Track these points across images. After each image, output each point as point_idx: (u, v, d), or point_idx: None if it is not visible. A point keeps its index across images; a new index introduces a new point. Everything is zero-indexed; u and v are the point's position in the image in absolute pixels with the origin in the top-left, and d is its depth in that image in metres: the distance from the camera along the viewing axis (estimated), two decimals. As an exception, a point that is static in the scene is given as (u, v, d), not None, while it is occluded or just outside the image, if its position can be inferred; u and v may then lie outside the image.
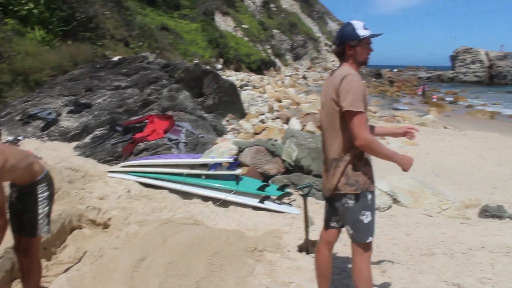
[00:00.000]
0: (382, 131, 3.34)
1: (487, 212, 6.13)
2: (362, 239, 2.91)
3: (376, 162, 3.08)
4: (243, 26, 41.57)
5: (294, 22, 52.85)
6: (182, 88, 10.26)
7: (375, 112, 19.94)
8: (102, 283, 3.42)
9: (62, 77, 10.05)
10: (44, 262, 3.82)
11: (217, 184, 5.89)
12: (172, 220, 4.70)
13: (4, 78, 9.27)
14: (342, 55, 2.96)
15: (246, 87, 21.64)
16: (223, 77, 14.94)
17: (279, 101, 18.02)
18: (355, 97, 2.72)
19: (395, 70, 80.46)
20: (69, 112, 8.18)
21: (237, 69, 32.65)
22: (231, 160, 6.14)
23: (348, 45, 2.90)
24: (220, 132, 9.86)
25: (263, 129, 10.83)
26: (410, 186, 6.44)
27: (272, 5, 52.30)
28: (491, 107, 29.93)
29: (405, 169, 2.88)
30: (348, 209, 2.88)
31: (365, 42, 2.91)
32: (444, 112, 24.86)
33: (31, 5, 12.16)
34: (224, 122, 11.09)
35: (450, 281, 3.81)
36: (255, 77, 29.70)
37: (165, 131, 7.42)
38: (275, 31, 47.70)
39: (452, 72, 67.95)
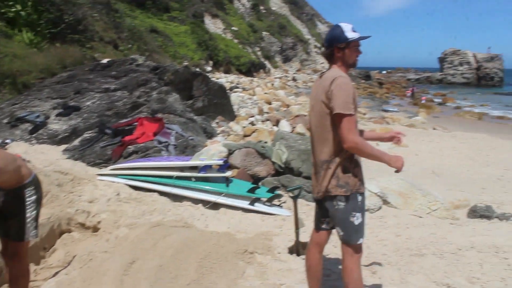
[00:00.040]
0: (369, 135, 3.35)
1: (475, 213, 6.18)
2: (352, 240, 2.91)
3: (365, 164, 3.09)
4: (233, 28, 41.59)
5: (284, 24, 52.99)
6: (171, 90, 10.23)
7: (364, 114, 20.03)
8: (92, 287, 3.40)
9: (51, 80, 9.98)
10: (32, 266, 3.79)
11: (207, 186, 5.88)
12: (162, 223, 4.68)
13: (-9, 80, 9.20)
14: (331, 58, 2.97)
15: (235, 89, 21.65)
16: (213, 79, 14.93)
17: (269, 103, 18.05)
18: (345, 100, 2.73)
19: (384, 72, 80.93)
20: (57, 115, 8.12)
21: (227, 71, 32.65)
22: (221, 162, 6.13)
23: (337, 48, 2.91)
24: (210, 134, 9.84)
25: (253, 131, 10.83)
26: (400, 187, 6.48)
27: (261, 7, 52.40)
28: (479, 108, 30.23)
29: (397, 169, 2.89)
30: (338, 210, 2.89)
31: (354, 45, 2.92)
32: (433, 113, 25.05)
33: (18, 7, 12.08)
34: (214, 125, 11.08)
35: (439, 281, 3.83)
36: (244, 79, 29.71)
37: (155, 134, 7.39)
38: (264, 33, 47.78)
39: (441, 73, 68.50)
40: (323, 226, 3.16)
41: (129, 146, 6.99)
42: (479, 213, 6.14)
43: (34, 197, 3.18)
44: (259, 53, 43.44)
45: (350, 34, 2.88)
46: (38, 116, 7.90)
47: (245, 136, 10.57)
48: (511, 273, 3.95)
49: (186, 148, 7.54)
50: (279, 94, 22.89)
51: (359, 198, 2.89)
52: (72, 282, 3.48)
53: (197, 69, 17.46)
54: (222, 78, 26.11)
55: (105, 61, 12.16)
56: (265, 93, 22.09)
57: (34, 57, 10.81)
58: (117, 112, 8.63)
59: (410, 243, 4.77)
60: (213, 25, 39.13)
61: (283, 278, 3.82)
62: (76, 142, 7.36)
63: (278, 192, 6.14)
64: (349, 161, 2.88)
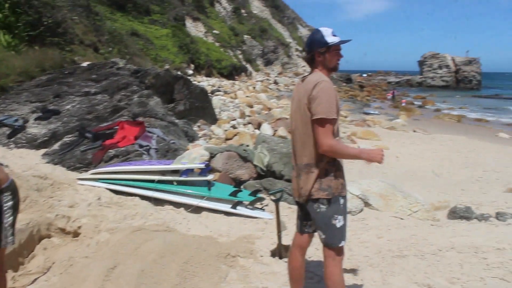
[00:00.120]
0: None
1: (455, 214, 6.26)
2: (334, 243, 2.93)
3: (347, 166, 3.12)
4: (214, 31, 41.58)
5: (265, 27, 53.17)
6: (152, 94, 10.17)
7: (346, 117, 20.18)
8: (72, 293, 3.36)
9: (29, 83, 9.84)
10: (11, 273, 3.72)
11: (189, 190, 5.86)
12: (143, 227, 4.64)
13: (-32, 84, 9.04)
14: (312, 62, 2.99)
15: (217, 93, 21.62)
16: (194, 82, 14.88)
17: (251, 106, 18.06)
18: (326, 105, 2.75)
19: (365, 75, 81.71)
20: (36, 118, 8.01)
21: (208, 75, 32.61)
22: (202, 166, 6.11)
23: (317, 52, 2.93)
24: (191, 138, 9.81)
25: (235, 135, 10.82)
26: (381, 190, 6.53)
27: (242, 11, 52.49)
28: (458, 110, 30.70)
29: (378, 162, 2.90)
30: (320, 213, 2.90)
31: (334, 49, 2.94)
32: (413, 116, 25.35)
33: (-5, 9, 11.90)
34: (195, 128, 11.05)
35: (421, 282, 3.88)
36: (226, 83, 29.71)
37: (136, 138, 7.34)
38: (246, 36, 47.86)
39: (420, 77, 69.42)
40: (306, 229, 3.18)
41: (110, 150, 6.93)
42: (458, 214, 6.22)
43: (10, 203, 3.13)
44: (240, 56, 43.50)
45: (330, 39, 2.91)
46: (16, 120, 7.78)
47: (227, 139, 10.56)
48: (490, 272, 4.02)
49: (168, 152, 7.50)
50: (260, 97, 22.93)
51: (341, 201, 2.91)
52: (52, 289, 3.43)
53: (179, 73, 17.38)
54: (204, 82, 26.07)
55: (85, 64, 12.03)
56: (247, 96, 22.11)
57: (12, 60, 10.64)
58: (98, 115, 8.55)
59: (392, 244, 4.82)
60: (195, 28, 39.06)
61: (266, 281, 3.82)
62: (56, 146, 7.27)
63: (260, 195, 6.14)
64: (331, 164, 2.90)
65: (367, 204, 6.34)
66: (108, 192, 5.75)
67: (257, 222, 5.56)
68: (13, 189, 3.19)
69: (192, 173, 6.05)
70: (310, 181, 2.89)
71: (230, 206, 5.78)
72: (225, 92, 22.77)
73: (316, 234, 3.12)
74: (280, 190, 4.63)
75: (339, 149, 2.80)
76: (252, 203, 5.89)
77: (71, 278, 3.54)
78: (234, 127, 12.44)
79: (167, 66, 24.15)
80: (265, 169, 7.05)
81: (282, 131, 11.61)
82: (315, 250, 4.40)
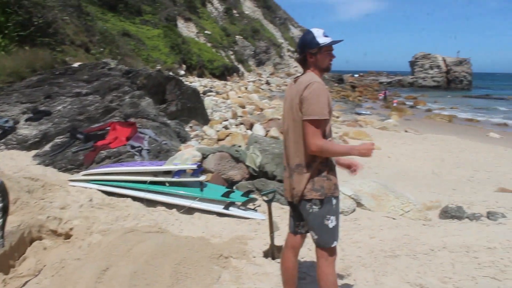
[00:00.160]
0: None
1: (447, 213, 6.29)
2: (327, 243, 2.94)
3: (339, 168, 3.12)
4: (206, 32, 41.54)
5: (257, 28, 53.19)
6: (144, 94, 10.14)
7: (337, 117, 20.22)
8: (64, 295, 3.33)
9: (20, 84, 9.78)
10: (1, 276, 3.69)
11: (181, 191, 5.85)
12: (136, 229, 4.63)
13: (-42, 85, 8.96)
14: (304, 63, 2.99)
15: (209, 93, 21.61)
16: (186, 83, 14.86)
17: (243, 107, 18.05)
18: (317, 106, 2.76)
19: (357, 75, 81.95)
20: (27, 119, 7.96)
21: (200, 75, 32.58)
22: (194, 166, 6.10)
23: (309, 53, 2.94)
24: (183, 138, 9.78)
25: (227, 135, 10.81)
26: (373, 190, 6.55)
27: (234, 11, 52.48)
28: (449, 111, 30.85)
29: (368, 156, 2.88)
30: (313, 214, 2.90)
31: (326, 49, 2.95)
32: (404, 116, 25.43)
33: (-16, 10, 11.81)
34: (187, 129, 11.02)
35: (413, 281, 3.89)
36: (218, 83, 29.71)
37: (128, 139, 7.32)
38: (238, 37, 47.86)
39: (412, 77, 69.68)
40: (298, 229, 3.18)
41: (102, 151, 6.90)
42: (450, 213, 6.25)
43: (0, 205, 3.11)
44: (232, 57, 43.49)
45: (322, 39, 2.91)
46: (7, 121, 7.73)
47: (219, 140, 10.55)
48: (482, 271, 4.04)
49: (160, 153, 7.48)
50: (252, 97, 22.93)
51: (334, 201, 2.92)
52: (44, 291, 3.41)
53: (170, 73, 17.37)
54: (196, 82, 26.06)
55: (76, 65, 11.98)
56: (239, 96, 22.10)
57: (2, 60, 10.58)
58: (89, 116, 8.51)
59: (384, 244, 4.83)
60: (186, 29, 39.00)
61: (259, 282, 3.82)
62: (47, 147, 7.23)
63: (252, 196, 6.14)
64: (324, 164, 2.90)
65: (359, 204, 6.35)
66: (100, 194, 5.72)
67: (250, 223, 5.56)
68: (2, 191, 3.17)
69: (184, 174, 6.03)
70: (303, 181, 2.89)
71: (223, 207, 5.77)
72: (217, 93, 22.77)
73: (308, 234, 3.12)
74: (272, 190, 4.63)
75: (328, 148, 2.81)
76: (244, 204, 5.89)
77: (63, 281, 3.52)
78: (226, 127, 12.42)
79: (158, 67, 24.09)
80: (257, 169, 7.05)
81: (274, 132, 11.61)
82: (308, 251, 4.40)
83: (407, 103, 36.83)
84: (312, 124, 2.77)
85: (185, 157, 6.64)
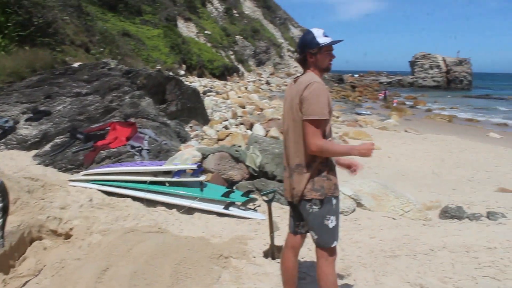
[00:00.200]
0: None
1: (447, 213, 6.29)
2: (327, 243, 2.94)
3: (339, 167, 3.12)
4: (206, 32, 41.54)
5: (257, 28, 53.19)
6: (144, 94, 10.14)
7: (337, 117, 20.22)
8: (64, 295, 3.33)
9: (20, 84, 9.78)
10: (1, 276, 3.69)
11: (181, 191, 5.84)
12: (136, 229, 4.63)
13: (-42, 85, 8.96)
14: (304, 63, 3.00)
15: (209, 93, 21.61)
16: (186, 83, 14.86)
17: (243, 107, 18.05)
18: (317, 106, 2.76)
19: (357, 75, 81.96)
20: (27, 119, 7.96)
21: (200, 75, 32.58)
22: (195, 166, 6.10)
23: (309, 53, 2.94)
24: (183, 138, 9.78)
25: (227, 135, 10.81)
26: (373, 190, 6.55)
27: (234, 11, 52.49)
28: (449, 111, 30.87)
29: (368, 156, 2.87)
30: (313, 214, 2.90)
31: (326, 49, 2.95)
32: (404, 116, 25.43)
33: (-16, 9, 11.81)
34: (187, 129, 11.02)
35: (413, 281, 3.90)
36: (218, 83, 29.71)
37: (128, 139, 7.32)
38: (238, 37, 47.86)
39: (412, 77, 69.71)
40: (298, 229, 3.18)
41: (102, 151, 6.90)
42: (450, 213, 6.25)
43: (0, 205, 3.11)
44: (232, 57, 43.50)
45: (322, 39, 2.91)
46: (6, 121, 7.73)
47: (219, 140, 10.55)
48: (482, 272, 4.05)
49: (160, 153, 7.48)
50: (252, 97, 22.92)
51: (334, 201, 2.92)
52: (44, 291, 3.41)
53: (170, 73, 17.38)
54: (196, 82, 26.06)
55: (76, 65, 11.98)
56: (239, 96, 22.10)
57: (2, 60, 10.58)
58: (89, 116, 8.51)
59: (384, 244, 4.83)
60: (186, 29, 39.00)
61: (259, 282, 3.82)
62: (47, 147, 7.23)
63: (252, 196, 6.14)
64: (324, 164, 2.90)
65: (359, 204, 6.35)
66: (100, 194, 5.72)
67: (250, 223, 5.56)
68: (2, 191, 3.16)
69: (184, 174, 6.03)
70: (303, 181, 2.89)
71: (223, 207, 5.77)
72: (217, 93, 22.76)
73: (308, 234, 3.12)
74: (272, 190, 4.63)
75: (328, 148, 2.81)
76: (244, 204, 5.89)
77: (63, 281, 3.52)
78: (226, 127, 12.42)
79: (158, 67, 24.09)
80: (257, 169, 7.05)
81: (274, 132, 11.61)
82: (308, 251, 4.40)
83: (407, 103, 36.87)
84: (312, 124, 2.77)
85: (185, 157, 6.64)
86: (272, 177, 6.90)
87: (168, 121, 9.85)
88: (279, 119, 13.21)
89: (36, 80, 9.92)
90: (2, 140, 7.39)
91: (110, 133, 7.49)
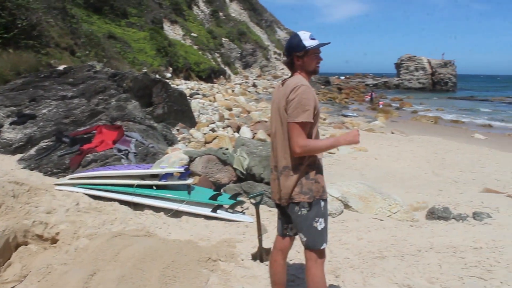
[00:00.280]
0: None
1: (434, 214, 6.35)
2: (316, 245, 2.94)
3: (326, 169, 3.14)
4: (192, 34, 41.49)
5: (243, 30, 53.26)
6: (130, 97, 10.08)
7: (324, 119, 20.31)
8: (51, 301, 3.30)
9: (4, 87, 9.66)
10: (-13, 282, 3.64)
11: (168, 194, 5.82)
12: (123, 233, 4.59)
13: None
14: (291, 66, 3.01)
15: (196, 96, 21.59)
16: (173, 86, 14.82)
17: (230, 109, 18.06)
18: (302, 109, 2.76)
19: (343, 77, 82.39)
20: (11, 123, 7.86)
21: (187, 78, 32.55)
22: (182, 169, 6.07)
23: (296, 56, 2.95)
24: (170, 141, 9.75)
25: (214, 138, 10.79)
26: (361, 191, 6.58)
27: (220, 14, 52.50)
28: (434, 112, 31.17)
29: (356, 142, 2.91)
30: (301, 217, 2.91)
31: (312, 52, 2.96)
32: (391, 118, 25.63)
33: (-33, 12, 11.67)
34: (174, 132, 10.99)
35: (401, 282, 3.92)
36: (205, 86, 29.70)
37: (114, 142, 7.26)
38: (224, 39, 47.90)
39: (398, 79, 70.32)
40: (287, 232, 3.19)
41: (88, 155, 6.83)
42: (437, 214, 6.30)
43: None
44: (219, 59, 43.51)
45: (308, 42, 2.92)
46: (-9, 125, 7.63)
47: (206, 143, 10.52)
48: (468, 272, 4.09)
49: (147, 156, 7.44)
50: (239, 100, 22.95)
51: (322, 204, 2.93)
52: (30, 297, 3.37)
53: (157, 76, 17.29)
54: (182, 85, 26.03)
55: (61, 67, 11.88)
56: (226, 99, 22.11)
57: (-14, 63, 10.46)
58: (75, 120, 8.43)
59: (372, 246, 4.86)
60: (172, 31, 38.93)
61: (248, 285, 3.81)
62: (32, 151, 7.15)
63: (240, 198, 6.13)
64: (311, 167, 2.91)
65: (347, 206, 6.38)
66: (86, 198, 5.67)
67: (238, 226, 5.55)
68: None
69: (171, 177, 6.00)
70: (290, 184, 2.89)
71: (210, 210, 5.75)
72: (204, 95, 22.75)
73: (297, 237, 3.13)
74: (260, 193, 4.63)
75: (313, 146, 2.82)
76: (232, 207, 5.88)
77: (49, 286, 3.48)
78: (213, 130, 12.41)
79: (145, 69, 24.00)
80: (244, 172, 7.05)
81: (261, 134, 11.63)
82: (296, 253, 4.41)
83: (393, 105, 37.19)
84: (297, 126, 2.77)
85: (172, 160, 6.61)
86: (260, 180, 6.90)
87: (155, 124, 9.80)
88: (266, 121, 13.24)
89: (20, 83, 9.81)
90: (-14, 144, 7.29)
91: (96, 137, 7.43)
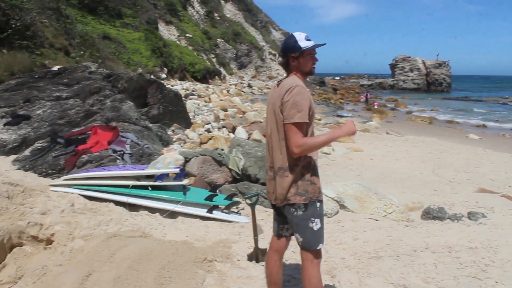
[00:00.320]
0: None
1: (429, 214, 6.37)
2: (312, 246, 2.94)
3: (322, 169, 3.14)
4: (187, 35, 41.47)
5: (238, 31, 53.28)
6: (125, 98, 10.06)
7: (319, 120, 20.33)
8: (46, 302, 3.28)
9: (-2, 88, 9.63)
10: (-19, 284, 3.63)
11: (164, 195, 5.80)
12: (118, 234, 4.58)
13: None
14: (287, 67, 3.01)
15: (191, 96, 21.57)
16: (168, 86, 14.80)
17: (225, 110, 18.05)
18: (298, 109, 2.77)
19: (338, 78, 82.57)
20: (6, 124, 7.83)
21: (182, 78, 32.53)
22: (177, 170, 6.07)
23: (291, 57, 2.95)
24: (165, 142, 9.73)
25: (209, 139, 10.77)
26: (356, 192, 6.59)
27: (215, 14, 52.51)
28: (429, 113, 31.29)
29: (353, 132, 2.92)
30: (297, 217, 2.91)
31: (308, 53, 2.96)
32: (386, 118, 25.70)
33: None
34: (169, 132, 10.97)
35: (396, 282, 3.93)
36: (200, 86, 29.70)
37: (109, 143, 7.24)
38: (219, 40, 47.90)
39: (392, 79, 70.51)
40: (283, 232, 3.19)
41: (83, 156, 6.81)
42: (432, 214, 6.32)
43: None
44: (214, 60, 43.51)
45: (304, 43, 2.92)
46: (-15, 126, 7.59)
47: (202, 143, 10.51)
48: (463, 271, 4.11)
49: (142, 157, 7.42)
50: (234, 100, 22.95)
51: (318, 204, 2.93)
52: (25, 298, 3.35)
53: (152, 76, 17.28)
54: (177, 85, 26.01)
55: (56, 68, 11.83)
56: (221, 100, 22.10)
57: (-20, 64, 10.42)
58: (70, 120, 8.40)
59: (368, 246, 4.87)
60: (167, 32, 38.89)
61: (244, 286, 3.81)
62: (27, 152, 7.12)
63: (235, 199, 6.13)
64: (307, 168, 2.91)
65: (342, 206, 6.39)
66: (81, 198, 5.64)
67: (234, 226, 5.55)
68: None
69: (167, 178, 5.99)
70: (286, 185, 2.89)
71: (206, 210, 5.74)
72: (199, 96, 22.73)
73: (293, 237, 3.13)
74: (255, 194, 4.63)
75: (312, 143, 2.83)
76: (228, 207, 5.87)
77: (44, 287, 3.46)
78: (208, 131, 12.40)
79: (140, 70, 23.94)
80: (240, 173, 7.04)
81: (256, 135, 11.62)
82: (292, 253, 4.41)
83: (388, 105, 37.32)
84: (293, 127, 2.78)
85: (168, 160, 6.60)
86: (255, 180, 6.90)
87: (150, 125, 9.79)
88: (261, 122, 13.23)
89: (14, 84, 9.77)
90: (-20, 145, 7.26)
91: (92, 137, 7.41)
